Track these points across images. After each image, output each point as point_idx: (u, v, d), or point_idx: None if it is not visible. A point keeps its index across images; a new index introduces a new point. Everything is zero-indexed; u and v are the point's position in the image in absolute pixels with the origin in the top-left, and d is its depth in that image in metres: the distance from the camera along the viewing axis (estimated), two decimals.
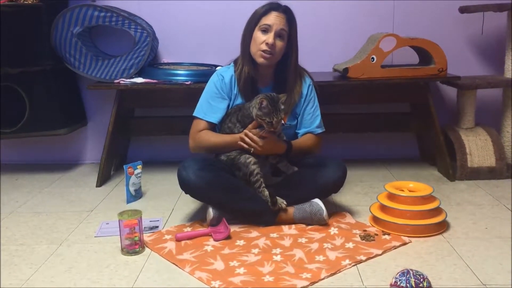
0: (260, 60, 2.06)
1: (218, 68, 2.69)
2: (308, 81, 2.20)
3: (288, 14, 2.07)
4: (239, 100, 2.14)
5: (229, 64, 2.21)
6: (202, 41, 2.94)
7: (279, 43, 2.05)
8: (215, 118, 2.12)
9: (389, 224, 1.95)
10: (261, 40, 2.04)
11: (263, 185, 2.00)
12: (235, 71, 2.14)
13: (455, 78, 2.62)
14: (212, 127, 2.14)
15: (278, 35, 2.04)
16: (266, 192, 1.99)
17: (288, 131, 2.16)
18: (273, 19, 2.04)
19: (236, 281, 1.59)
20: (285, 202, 2.01)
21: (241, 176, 2.04)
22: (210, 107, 2.13)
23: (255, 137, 2.00)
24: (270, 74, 2.17)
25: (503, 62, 2.70)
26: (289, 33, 2.07)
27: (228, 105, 2.15)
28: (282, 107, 1.97)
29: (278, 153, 2.08)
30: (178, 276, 1.67)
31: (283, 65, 2.12)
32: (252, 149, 2.01)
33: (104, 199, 2.46)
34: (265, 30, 2.03)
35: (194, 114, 2.15)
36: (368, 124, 2.94)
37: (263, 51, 2.04)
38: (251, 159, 2.01)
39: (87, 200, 2.45)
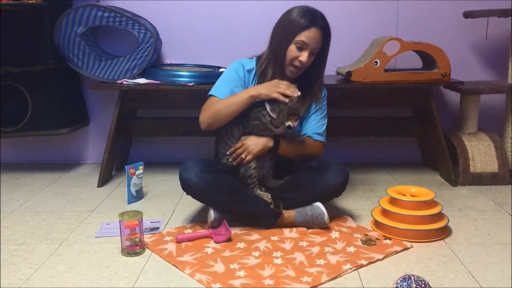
0: (289, 74, 2.07)
1: (221, 70, 2.70)
2: (324, 90, 2.21)
3: (324, 31, 2.04)
4: None
5: (251, 58, 2.18)
6: (206, 42, 2.93)
7: (310, 59, 2.05)
8: None
9: (391, 229, 1.95)
10: (295, 56, 2.02)
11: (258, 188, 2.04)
12: (256, 66, 2.13)
13: (459, 83, 2.62)
14: None
15: (311, 52, 2.03)
16: (263, 194, 2.02)
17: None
18: (311, 37, 2.00)
19: (236, 284, 1.59)
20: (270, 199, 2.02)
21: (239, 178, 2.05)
22: (228, 89, 2.09)
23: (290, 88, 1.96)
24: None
25: (507, 67, 2.70)
26: (321, 49, 2.06)
27: None
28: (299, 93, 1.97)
29: (267, 148, 2.05)
30: (178, 278, 1.66)
31: (306, 71, 2.11)
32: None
33: (105, 199, 2.46)
34: (301, 48, 2.02)
35: (211, 93, 2.10)
36: (370, 128, 2.94)
37: (295, 67, 2.04)
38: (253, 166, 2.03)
39: (88, 200, 2.44)
